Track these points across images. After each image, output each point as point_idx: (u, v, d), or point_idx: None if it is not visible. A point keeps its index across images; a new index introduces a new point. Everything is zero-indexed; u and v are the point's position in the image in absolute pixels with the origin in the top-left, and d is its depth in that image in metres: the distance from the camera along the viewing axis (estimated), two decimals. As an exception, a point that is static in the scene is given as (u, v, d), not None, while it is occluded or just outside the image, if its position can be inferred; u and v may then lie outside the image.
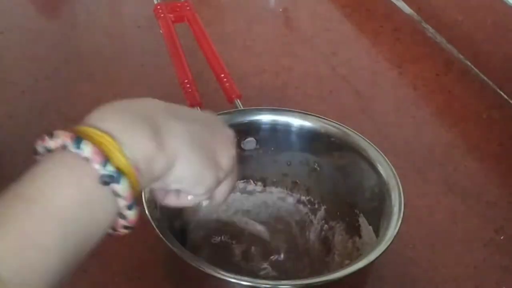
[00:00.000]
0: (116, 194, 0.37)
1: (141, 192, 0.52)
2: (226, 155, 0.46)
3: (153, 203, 0.53)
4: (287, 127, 0.65)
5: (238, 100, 0.68)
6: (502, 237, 0.69)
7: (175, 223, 0.60)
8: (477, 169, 0.78)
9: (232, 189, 0.49)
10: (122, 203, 0.38)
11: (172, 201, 0.46)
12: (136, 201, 0.39)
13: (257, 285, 0.50)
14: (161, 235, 0.51)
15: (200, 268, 0.49)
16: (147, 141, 0.39)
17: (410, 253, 0.66)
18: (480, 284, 0.64)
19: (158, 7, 0.81)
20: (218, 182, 0.45)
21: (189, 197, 0.46)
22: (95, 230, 0.37)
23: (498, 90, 0.90)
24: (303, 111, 0.65)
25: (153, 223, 0.52)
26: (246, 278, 0.50)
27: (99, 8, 1.08)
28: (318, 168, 0.65)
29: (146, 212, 0.52)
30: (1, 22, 1.01)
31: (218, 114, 0.63)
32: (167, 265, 0.60)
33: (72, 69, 0.92)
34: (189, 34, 0.80)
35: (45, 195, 0.36)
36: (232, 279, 0.49)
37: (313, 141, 0.64)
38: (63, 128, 0.38)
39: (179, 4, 0.82)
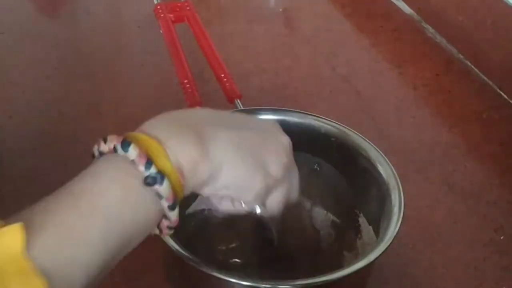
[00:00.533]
0: (159, 196, 0.39)
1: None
2: (276, 162, 0.46)
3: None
4: (287, 127, 0.64)
5: (238, 100, 0.68)
6: (502, 237, 0.69)
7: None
8: (477, 169, 0.78)
9: (288, 199, 0.50)
10: (165, 204, 0.40)
11: (226, 206, 0.48)
12: (178, 202, 0.41)
13: (257, 285, 0.50)
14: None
15: (200, 268, 0.49)
16: (191, 148, 0.41)
17: (410, 253, 0.66)
18: (480, 284, 0.64)
19: (158, 7, 0.81)
20: (268, 189, 0.46)
21: (243, 204, 0.47)
22: (138, 229, 0.40)
23: (498, 90, 0.90)
24: (303, 111, 0.65)
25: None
26: (246, 278, 0.50)
27: (99, 8, 1.08)
28: (318, 168, 0.65)
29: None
30: (1, 22, 1.01)
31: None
32: (167, 265, 0.60)
33: (72, 69, 0.92)
34: (189, 34, 0.80)
35: (92, 193, 0.38)
36: (232, 279, 0.49)
37: (313, 141, 0.64)
38: (115, 134, 0.41)
39: (179, 4, 0.83)
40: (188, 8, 0.82)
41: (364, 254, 0.52)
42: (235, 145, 0.43)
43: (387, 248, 0.51)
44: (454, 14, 0.97)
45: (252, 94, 0.81)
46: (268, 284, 0.50)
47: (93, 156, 0.41)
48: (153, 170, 0.39)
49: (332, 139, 0.63)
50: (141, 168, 0.39)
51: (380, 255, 0.51)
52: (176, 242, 0.51)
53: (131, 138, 0.40)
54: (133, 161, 0.39)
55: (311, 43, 1.00)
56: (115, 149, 0.40)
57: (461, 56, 0.96)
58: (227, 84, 0.70)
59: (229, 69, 0.73)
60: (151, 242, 0.59)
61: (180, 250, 0.50)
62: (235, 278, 0.49)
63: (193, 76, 0.70)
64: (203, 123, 0.43)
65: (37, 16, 1.07)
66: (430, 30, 1.02)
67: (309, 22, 1.07)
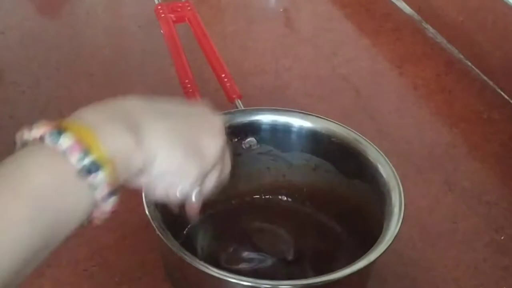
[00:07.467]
0: (92, 185, 0.37)
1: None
2: (212, 145, 0.46)
3: (153, 203, 0.53)
4: (287, 127, 0.65)
5: (239, 100, 0.68)
6: (502, 237, 0.69)
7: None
8: (478, 169, 0.78)
9: (222, 178, 0.49)
10: (98, 195, 0.38)
11: (161, 195, 0.46)
12: (113, 192, 0.39)
13: (257, 285, 0.50)
14: (161, 235, 0.51)
15: (200, 268, 0.49)
16: (124, 137, 0.40)
17: (410, 253, 0.66)
18: (480, 284, 0.64)
19: (159, 7, 0.81)
20: (204, 173, 0.45)
21: (177, 193, 0.45)
22: (67, 219, 0.37)
23: (499, 90, 0.90)
24: (303, 111, 0.65)
25: (153, 224, 0.52)
26: (246, 278, 0.50)
27: (99, 8, 1.08)
28: (318, 168, 0.65)
29: (146, 212, 0.52)
30: (1, 22, 1.01)
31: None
32: (167, 265, 0.60)
33: (72, 69, 0.92)
34: (190, 34, 0.80)
35: (18, 177, 0.35)
36: (232, 279, 0.49)
37: (313, 141, 0.64)
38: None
39: (180, 4, 0.82)
40: (189, 8, 0.82)
41: (364, 254, 0.52)
42: (168, 133, 0.42)
43: (387, 248, 0.51)
44: (455, 14, 0.97)
45: (253, 94, 0.81)
46: (268, 284, 0.50)
47: (14, 144, 0.39)
48: (88, 160, 0.37)
49: (332, 139, 0.63)
50: (75, 156, 0.36)
51: (380, 255, 0.51)
52: (176, 242, 0.51)
53: (62, 127, 0.38)
54: (65, 150, 0.36)
55: (311, 43, 1.00)
56: (44, 137, 0.37)
57: (462, 56, 0.96)
58: (227, 84, 0.70)
59: (229, 69, 0.72)
60: (151, 242, 0.59)
61: (180, 250, 0.50)
62: (235, 278, 0.49)
63: (193, 76, 0.70)
64: (135, 112, 0.42)
65: (37, 16, 1.07)
66: (430, 30, 1.02)
67: (309, 22, 1.07)
